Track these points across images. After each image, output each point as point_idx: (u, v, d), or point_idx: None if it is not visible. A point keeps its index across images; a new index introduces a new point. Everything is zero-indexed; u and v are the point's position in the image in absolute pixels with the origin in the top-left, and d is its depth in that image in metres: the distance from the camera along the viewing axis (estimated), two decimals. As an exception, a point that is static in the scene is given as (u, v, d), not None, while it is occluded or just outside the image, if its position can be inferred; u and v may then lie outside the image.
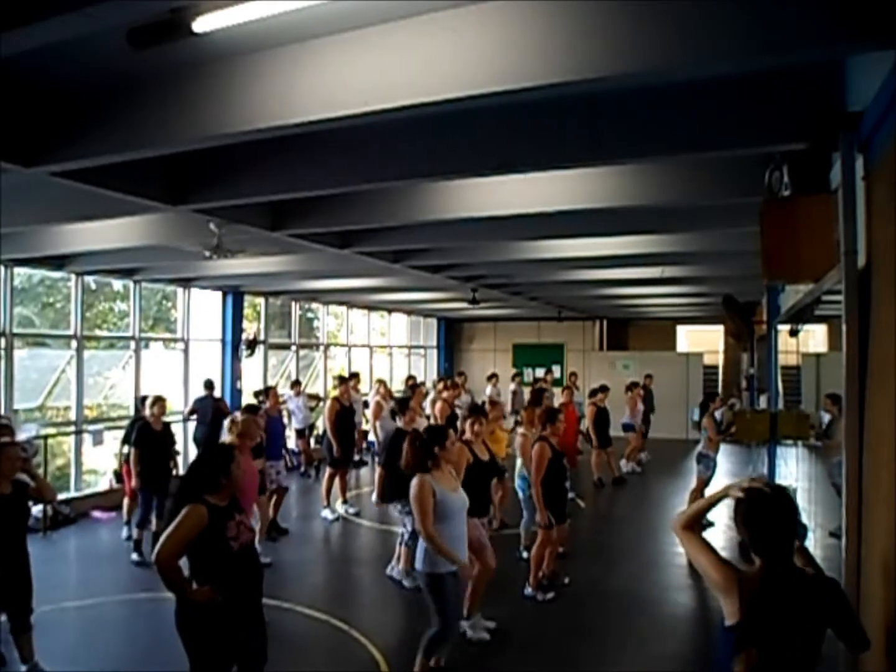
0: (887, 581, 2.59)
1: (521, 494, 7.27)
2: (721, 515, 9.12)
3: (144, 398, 8.51)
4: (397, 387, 15.20)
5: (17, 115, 3.98)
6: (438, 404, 10.28)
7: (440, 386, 12.11)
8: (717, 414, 9.15)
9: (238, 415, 5.71)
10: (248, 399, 11.71)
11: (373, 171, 4.66)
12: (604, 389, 11.74)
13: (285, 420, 11.00)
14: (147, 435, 7.44)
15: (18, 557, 4.49)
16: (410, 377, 13.93)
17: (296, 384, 12.46)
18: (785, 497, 2.37)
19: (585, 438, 11.70)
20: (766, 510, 2.31)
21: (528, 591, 6.24)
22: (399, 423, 6.95)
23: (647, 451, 13.84)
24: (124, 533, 8.29)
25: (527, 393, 11.16)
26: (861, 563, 2.96)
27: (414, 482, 4.31)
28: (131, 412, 10.34)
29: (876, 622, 2.62)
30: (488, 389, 14.99)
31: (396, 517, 6.64)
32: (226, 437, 5.46)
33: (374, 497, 7.23)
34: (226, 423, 5.57)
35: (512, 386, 15.67)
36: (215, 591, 3.36)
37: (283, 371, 14.55)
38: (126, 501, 8.49)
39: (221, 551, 3.40)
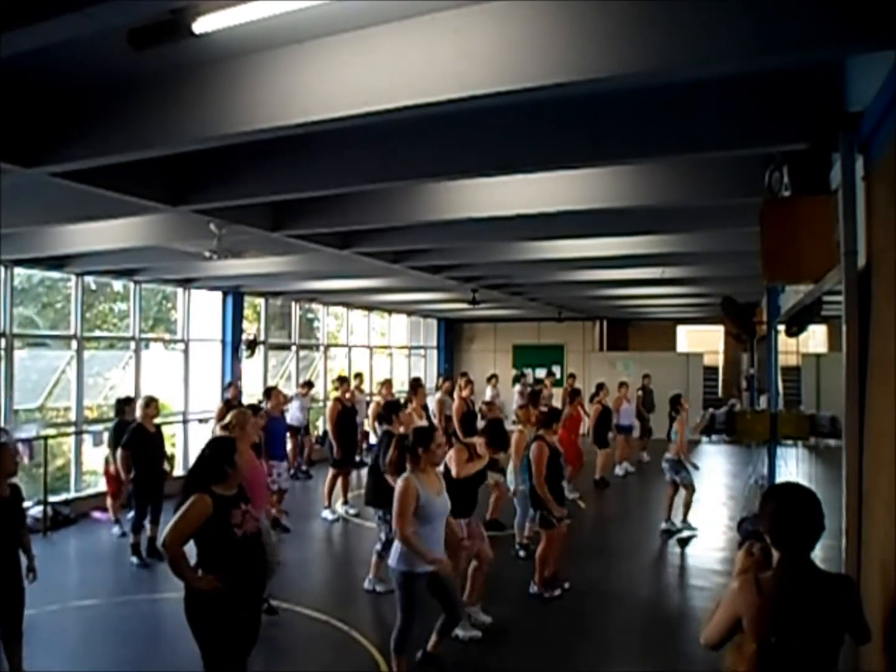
0: (887, 581, 2.59)
1: (510, 490, 7.28)
2: (721, 516, 9.18)
3: (125, 399, 8.51)
4: (397, 388, 15.16)
5: (17, 115, 3.97)
6: (456, 402, 10.23)
7: (445, 386, 12.11)
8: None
9: (230, 416, 5.70)
10: (248, 400, 11.70)
11: (373, 172, 4.65)
12: (601, 387, 11.91)
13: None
14: (141, 437, 7.28)
15: (13, 563, 4.24)
16: (415, 380, 13.88)
17: (306, 385, 12.58)
18: (812, 494, 2.40)
19: (595, 439, 11.64)
20: (798, 504, 2.34)
21: (534, 589, 6.27)
22: (386, 426, 6.88)
23: (646, 451, 13.84)
24: (115, 531, 8.35)
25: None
26: (861, 564, 2.96)
27: (400, 482, 4.33)
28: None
29: (875, 622, 2.62)
30: (488, 390, 14.97)
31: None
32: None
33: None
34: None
35: (518, 387, 15.72)
36: (219, 580, 3.46)
37: (283, 372, 14.55)
38: (109, 501, 8.60)
39: (225, 539, 3.52)
